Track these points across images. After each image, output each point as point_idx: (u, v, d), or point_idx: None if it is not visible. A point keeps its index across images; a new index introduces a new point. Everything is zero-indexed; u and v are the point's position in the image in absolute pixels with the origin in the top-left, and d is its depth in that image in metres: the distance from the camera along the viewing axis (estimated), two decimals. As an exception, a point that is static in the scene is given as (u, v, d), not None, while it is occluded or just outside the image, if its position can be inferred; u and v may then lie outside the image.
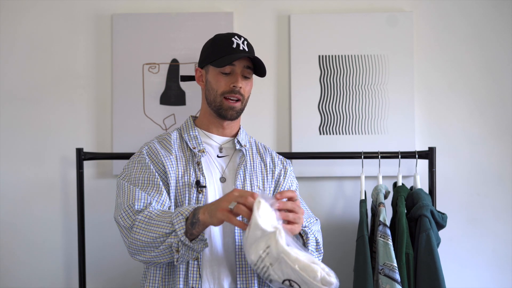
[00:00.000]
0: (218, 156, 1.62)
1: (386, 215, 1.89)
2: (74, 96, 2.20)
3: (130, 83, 2.16)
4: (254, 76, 1.65)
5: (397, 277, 1.78)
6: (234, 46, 1.56)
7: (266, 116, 2.20)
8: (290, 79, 2.19)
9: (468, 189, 2.20)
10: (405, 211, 1.91)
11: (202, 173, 1.55)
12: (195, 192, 1.53)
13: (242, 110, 1.62)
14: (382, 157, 2.05)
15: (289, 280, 1.24)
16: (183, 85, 2.17)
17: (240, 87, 1.57)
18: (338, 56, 2.18)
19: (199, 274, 1.48)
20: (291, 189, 1.68)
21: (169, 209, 1.51)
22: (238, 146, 1.64)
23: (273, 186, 1.66)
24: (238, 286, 1.49)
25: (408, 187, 2.05)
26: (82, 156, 2.06)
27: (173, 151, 1.59)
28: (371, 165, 2.09)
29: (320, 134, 2.17)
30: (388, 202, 2.03)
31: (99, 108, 2.20)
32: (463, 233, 2.18)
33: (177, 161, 1.57)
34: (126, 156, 2.05)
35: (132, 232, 1.40)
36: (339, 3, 2.21)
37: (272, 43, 2.21)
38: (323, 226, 2.16)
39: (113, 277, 2.17)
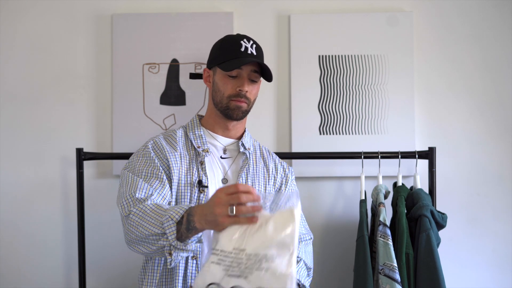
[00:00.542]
0: (221, 157, 1.62)
1: (386, 215, 1.89)
2: (74, 96, 2.20)
3: (130, 83, 2.16)
4: None
5: (397, 277, 1.78)
6: (243, 49, 1.56)
7: (266, 116, 2.20)
8: (290, 79, 2.19)
9: (468, 189, 2.20)
10: (405, 211, 1.91)
11: (205, 173, 1.56)
12: (196, 191, 1.53)
13: (248, 111, 1.62)
14: (382, 157, 2.05)
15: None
16: (183, 85, 2.17)
17: (246, 91, 1.58)
18: (338, 56, 2.18)
19: (198, 273, 1.48)
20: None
21: (169, 204, 1.51)
22: (242, 149, 1.64)
23: (274, 192, 1.67)
24: None
25: (408, 187, 2.05)
26: (82, 156, 2.06)
27: (178, 148, 1.59)
28: (371, 165, 2.09)
29: (320, 134, 2.17)
30: (388, 202, 2.03)
31: (99, 108, 2.20)
32: (463, 233, 2.18)
33: (181, 159, 1.57)
34: (126, 156, 2.04)
35: (127, 222, 1.39)
36: (339, 3, 2.21)
37: (272, 43, 2.21)
38: (323, 226, 2.18)
39: (113, 277, 2.17)
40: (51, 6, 2.19)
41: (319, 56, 2.18)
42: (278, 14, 2.21)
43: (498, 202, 2.19)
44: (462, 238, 2.18)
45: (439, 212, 1.93)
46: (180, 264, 1.49)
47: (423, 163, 2.11)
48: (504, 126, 2.19)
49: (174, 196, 1.53)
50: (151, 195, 1.44)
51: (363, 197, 1.99)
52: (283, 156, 1.98)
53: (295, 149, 2.16)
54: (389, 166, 2.09)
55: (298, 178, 1.84)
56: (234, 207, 1.19)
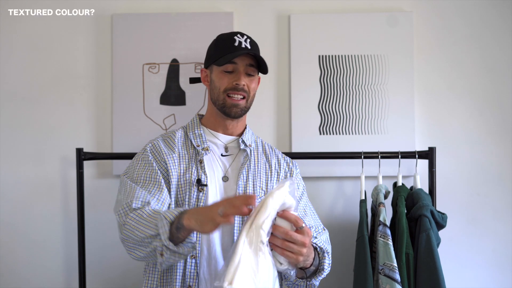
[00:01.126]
0: (222, 155, 1.62)
1: (386, 215, 1.89)
2: (74, 96, 2.20)
3: (130, 83, 2.16)
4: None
5: (397, 277, 1.78)
6: (236, 44, 1.57)
7: (266, 116, 2.20)
8: (290, 79, 2.19)
9: (468, 189, 2.20)
10: (405, 211, 1.91)
11: (204, 172, 1.55)
12: (195, 190, 1.53)
13: (247, 108, 1.62)
14: (382, 157, 2.05)
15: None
16: (183, 85, 2.17)
17: (244, 84, 1.57)
18: (338, 56, 2.18)
19: (197, 272, 1.48)
20: (298, 191, 1.66)
21: (169, 207, 1.51)
22: (242, 146, 1.63)
23: None
24: None
25: (408, 187, 2.05)
26: (82, 156, 2.06)
27: (176, 149, 1.59)
28: (371, 165, 2.09)
29: (320, 134, 2.17)
30: (388, 202, 2.03)
31: (99, 108, 2.20)
32: (463, 233, 2.18)
33: (179, 159, 1.57)
34: (126, 156, 2.05)
35: (124, 228, 1.40)
36: (339, 3, 2.21)
37: (272, 43, 2.21)
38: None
39: (113, 277, 2.17)
40: (51, 6, 2.19)
41: (319, 56, 2.18)
42: (278, 14, 2.21)
43: (498, 202, 2.19)
44: (462, 238, 2.18)
45: (439, 212, 1.93)
46: (179, 264, 1.49)
47: (423, 163, 2.11)
48: (504, 126, 2.20)
49: (173, 198, 1.53)
50: (148, 203, 1.44)
51: (363, 197, 1.99)
52: (283, 156, 1.99)
53: (295, 149, 2.16)
54: (389, 166, 2.09)
55: (298, 178, 1.85)
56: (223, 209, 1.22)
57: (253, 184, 1.59)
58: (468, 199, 2.20)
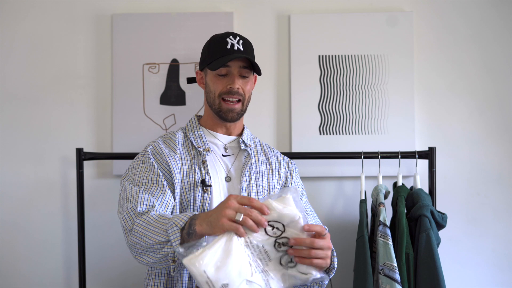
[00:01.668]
0: (223, 155, 1.62)
1: (386, 215, 1.89)
2: (74, 96, 2.20)
3: (130, 83, 2.16)
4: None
5: (397, 277, 1.78)
6: (229, 47, 1.55)
7: (266, 116, 2.20)
8: (290, 79, 2.19)
9: (468, 189, 2.20)
10: (405, 211, 1.91)
11: (208, 172, 1.55)
12: (200, 191, 1.52)
13: (243, 111, 1.62)
14: (382, 157, 2.05)
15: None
16: (183, 85, 2.17)
17: (238, 88, 1.57)
18: (338, 56, 2.18)
19: None
20: (297, 191, 1.66)
21: (173, 208, 1.50)
22: (243, 146, 1.63)
23: (279, 187, 1.66)
24: None
25: (408, 187, 2.05)
26: (82, 156, 2.06)
27: (178, 150, 1.58)
28: (371, 165, 2.09)
29: (320, 134, 2.17)
30: (388, 202, 2.03)
31: (99, 108, 2.20)
32: (463, 233, 2.18)
33: (181, 160, 1.56)
34: (126, 156, 2.05)
35: (131, 234, 1.39)
36: (339, 3, 2.21)
37: (272, 43, 2.21)
38: (323, 226, 2.17)
39: (113, 277, 2.17)
40: (51, 6, 2.19)
41: (319, 56, 2.18)
42: (278, 14, 2.21)
43: (498, 202, 2.19)
44: (462, 238, 2.18)
45: (439, 212, 1.93)
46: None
47: (423, 163, 2.11)
48: (504, 126, 2.20)
49: (178, 199, 1.52)
50: (153, 206, 1.43)
51: (363, 197, 1.99)
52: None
53: (295, 149, 2.16)
54: (389, 166, 2.09)
55: (298, 178, 1.85)
56: (242, 216, 1.23)
57: (256, 184, 1.59)
58: (468, 199, 2.20)
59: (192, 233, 1.27)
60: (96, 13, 2.20)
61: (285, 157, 1.75)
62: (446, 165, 2.18)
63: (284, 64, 2.21)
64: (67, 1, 2.20)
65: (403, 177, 2.09)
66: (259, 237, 1.26)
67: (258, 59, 1.77)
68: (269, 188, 1.63)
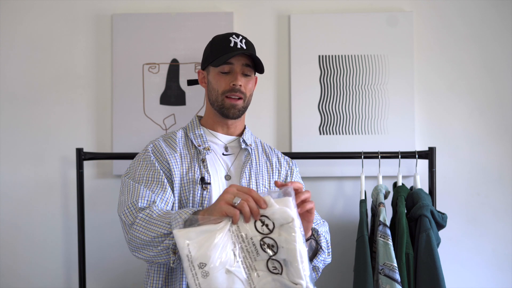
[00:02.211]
0: (223, 154, 1.62)
1: (386, 215, 1.89)
2: (74, 96, 2.20)
3: (130, 83, 2.17)
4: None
5: (397, 277, 1.78)
6: (232, 45, 1.57)
7: (266, 116, 2.20)
8: (290, 79, 2.19)
9: (468, 189, 2.20)
10: (405, 211, 1.91)
11: (207, 170, 1.55)
12: (199, 189, 1.53)
13: (245, 108, 1.62)
14: (382, 157, 2.05)
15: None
16: (183, 85, 2.17)
17: (240, 85, 1.58)
18: (338, 56, 2.18)
19: None
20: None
21: (173, 205, 1.51)
22: (243, 145, 1.64)
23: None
24: None
25: (408, 187, 2.05)
26: (82, 156, 2.06)
27: (178, 149, 1.59)
28: (371, 165, 2.10)
29: (320, 134, 2.17)
30: (388, 202, 2.03)
31: (99, 108, 2.20)
32: (463, 233, 2.18)
33: (181, 159, 1.57)
34: (126, 156, 2.05)
35: (132, 229, 1.39)
36: (339, 3, 2.21)
37: (272, 43, 2.21)
38: (323, 226, 2.17)
39: (113, 277, 2.17)
40: (51, 6, 2.20)
41: (319, 56, 2.18)
42: (278, 14, 2.21)
43: (498, 202, 2.19)
44: (462, 238, 2.18)
45: (439, 212, 1.93)
46: None
47: (423, 163, 2.11)
48: (504, 126, 2.20)
49: (177, 197, 1.53)
50: (154, 202, 1.44)
51: (363, 197, 1.99)
52: (283, 156, 1.99)
53: (295, 149, 2.16)
54: (389, 166, 2.09)
55: (298, 178, 1.85)
56: (240, 200, 1.21)
57: (256, 182, 1.60)
58: (468, 199, 2.20)
59: (195, 223, 1.27)
60: (96, 13, 2.20)
61: (286, 157, 1.76)
62: (446, 165, 2.18)
63: (284, 64, 2.21)
64: (67, 1, 2.20)
65: (403, 177, 2.09)
66: (248, 230, 1.23)
67: (258, 59, 1.78)
68: (270, 186, 1.64)
